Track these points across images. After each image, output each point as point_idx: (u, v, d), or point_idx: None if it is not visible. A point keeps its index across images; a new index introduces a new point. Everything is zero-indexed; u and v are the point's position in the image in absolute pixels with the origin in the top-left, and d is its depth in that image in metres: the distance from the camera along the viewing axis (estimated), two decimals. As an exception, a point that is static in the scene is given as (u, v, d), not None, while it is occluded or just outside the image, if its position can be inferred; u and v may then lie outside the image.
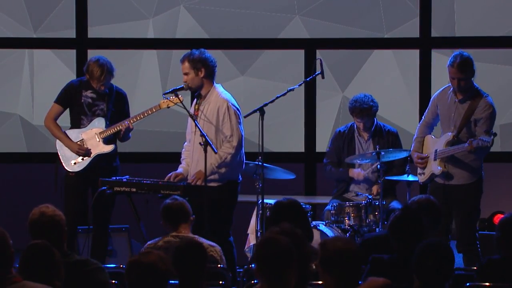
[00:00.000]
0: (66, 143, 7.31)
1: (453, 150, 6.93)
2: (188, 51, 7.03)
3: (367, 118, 7.72)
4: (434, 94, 7.30)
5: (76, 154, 7.28)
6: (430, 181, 7.13)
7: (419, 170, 7.22)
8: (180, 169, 7.08)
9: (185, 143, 7.21)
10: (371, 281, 3.94)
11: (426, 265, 4.16)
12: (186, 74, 6.98)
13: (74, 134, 7.35)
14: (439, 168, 7.01)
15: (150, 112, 7.27)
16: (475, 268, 5.37)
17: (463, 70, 6.88)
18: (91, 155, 7.30)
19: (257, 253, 3.86)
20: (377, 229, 7.35)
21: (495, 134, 6.83)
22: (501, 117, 9.00)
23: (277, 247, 3.81)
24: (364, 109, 7.66)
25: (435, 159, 7.04)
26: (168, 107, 7.20)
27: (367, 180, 7.79)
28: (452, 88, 7.05)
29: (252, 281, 4.91)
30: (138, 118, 7.30)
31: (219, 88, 7.03)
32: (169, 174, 7.02)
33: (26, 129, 9.15)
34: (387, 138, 7.81)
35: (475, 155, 6.94)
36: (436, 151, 7.04)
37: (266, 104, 7.08)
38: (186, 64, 6.96)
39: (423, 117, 7.33)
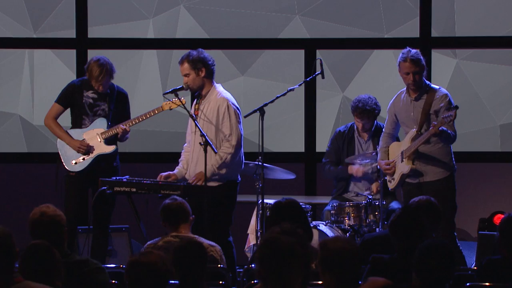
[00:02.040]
0: (67, 140, 7.31)
1: (419, 140, 6.93)
2: (186, 52, 7.03)
3: (367, 120, 7.71)
4: (389, 104, 7.31)
5: (77, 151, 7.28)
6: (401, 184, 7.11)
7: (388, 178, 7.21)
8: (175, 170, 7.08)
9: (185, 144, 7.21)
10: (371, 281, 3.94)
11: (427, 265, 4.16)
12: (186, 75, 6.96)
13: (76, 134, 7.35)
14: (407, 166, 7.00)
15: (152, 114, 7.27)
16: (475, 268, 5.37)
17: (416, 63, 6.94)
18: (93, 155, 7.30)
19: (258, 253, 3.85)
20: (377, 229, 7.34)
21: (456, 107, 6.82)
22: (501, 117, 9.00)
23: (278, 247, 3.79)
24: (366, 110, 7.66)
25: (402, 160, 7.04)
26: (171, 109, 7.21)
27: (367, 179, 7.79)
28: (404, 91, 7.10)
29: (252, 281, 4.91)
30: (140, 119, 7.30)
31: (219, 87, 7.03)
32: (160, 174, 7.03)
33: (26, 129, 9.14)
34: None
35: (444, 146, 6.95)
36: (402, 152, 7.05)
37: (266, 104, 7.09)
38: (186, 65, 6.95)
39: (383, 129, 7.34)
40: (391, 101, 7.27)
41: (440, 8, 9.09)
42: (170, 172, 7.04)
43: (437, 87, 7.10)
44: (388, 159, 7.19)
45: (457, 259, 6.70)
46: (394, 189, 7.26)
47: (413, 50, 7.01)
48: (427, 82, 7.13)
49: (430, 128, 6.82)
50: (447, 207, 6.86)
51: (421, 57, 7.01)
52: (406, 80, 7.02)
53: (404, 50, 7.03)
